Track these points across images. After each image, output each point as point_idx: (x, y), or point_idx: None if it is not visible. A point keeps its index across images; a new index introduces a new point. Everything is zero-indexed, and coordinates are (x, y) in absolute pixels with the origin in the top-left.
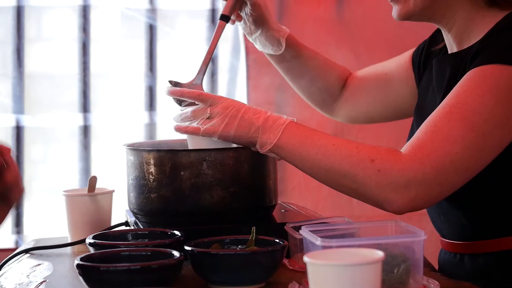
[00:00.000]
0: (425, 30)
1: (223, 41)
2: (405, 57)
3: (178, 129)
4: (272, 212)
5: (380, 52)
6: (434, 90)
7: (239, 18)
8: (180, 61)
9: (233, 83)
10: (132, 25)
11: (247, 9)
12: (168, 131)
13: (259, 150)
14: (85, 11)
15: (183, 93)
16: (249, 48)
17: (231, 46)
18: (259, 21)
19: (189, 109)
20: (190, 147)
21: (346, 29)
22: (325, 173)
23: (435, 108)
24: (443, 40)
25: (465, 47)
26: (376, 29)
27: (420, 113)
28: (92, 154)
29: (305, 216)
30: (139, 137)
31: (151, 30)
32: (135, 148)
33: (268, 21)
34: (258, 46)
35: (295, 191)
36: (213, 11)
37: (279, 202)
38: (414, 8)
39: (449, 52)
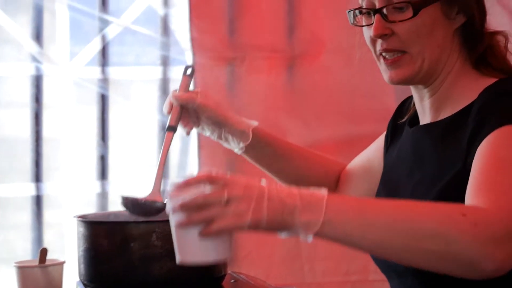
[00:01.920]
0: (375, 98)
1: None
2: (381, 138)
3: (205, 234)
4: (222, 282)
5: (330, 121)
6: (406, 160)
7: (189, 125)
8: (132, 130)
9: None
10: (85, 93)
11: (201, 115)
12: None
13: (300, 235)
14: (37, 81)
15: (189, 183)
16: (202, 141)
17: (180, 143)
18: (216, 121)
19: (196, 195)
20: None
21: (296, 97)
22: (402, 238)
23: (407, 177)
24: (406, 113)
25: (440, 115)
26: (326, 97)
27: (387, 182)
28: (44, 224)
29: (254, 286)
30: (92, 206)
31: (103, 99)
32: (85, 220)
33: (227, 117)
34: (226, 145)
35: (247, 259)
36: (164, 80)
37: (229, 272)
38: (419, 70)
39: (421, 122)
